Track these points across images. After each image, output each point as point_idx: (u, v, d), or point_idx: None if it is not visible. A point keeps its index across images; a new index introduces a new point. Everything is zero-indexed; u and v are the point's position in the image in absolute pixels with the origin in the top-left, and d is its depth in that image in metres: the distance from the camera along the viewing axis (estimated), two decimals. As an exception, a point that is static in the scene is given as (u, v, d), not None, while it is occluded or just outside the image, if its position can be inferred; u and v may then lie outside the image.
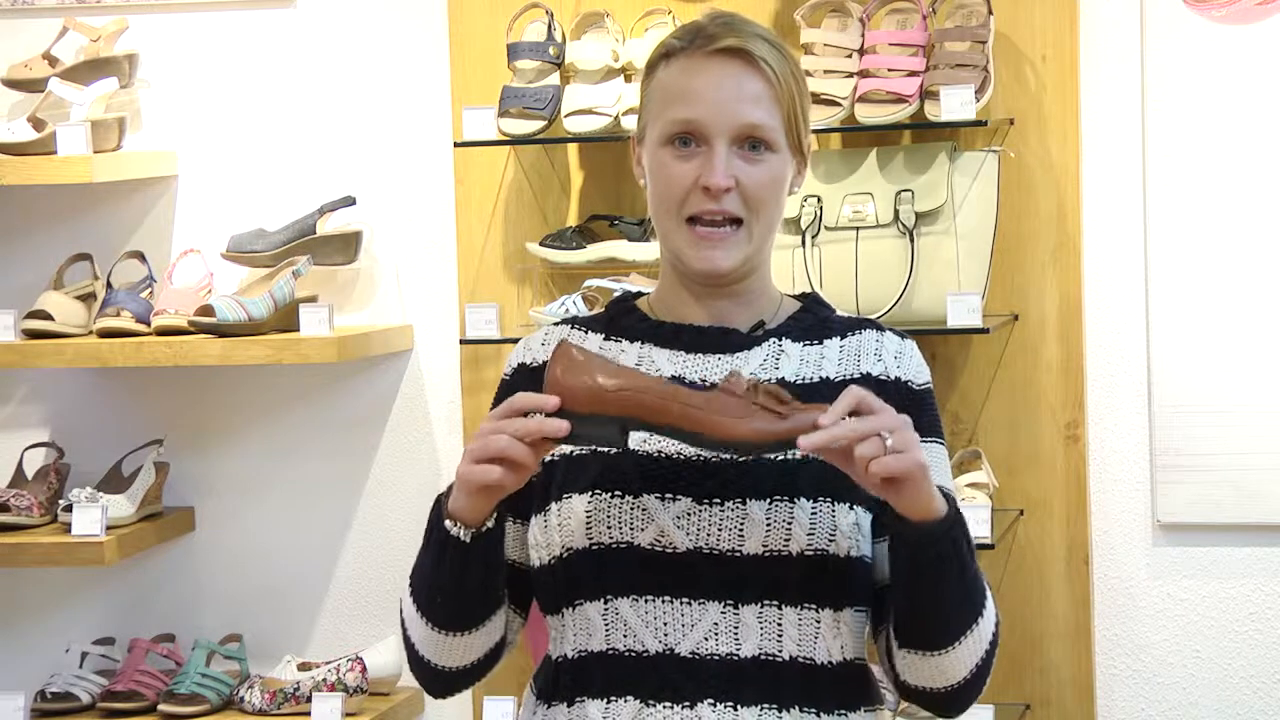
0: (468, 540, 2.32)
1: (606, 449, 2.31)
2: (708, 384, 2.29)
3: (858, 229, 4.00)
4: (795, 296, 2.51)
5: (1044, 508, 4.14)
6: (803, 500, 2.31)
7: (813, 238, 4.00)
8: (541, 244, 4.19)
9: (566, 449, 2.35)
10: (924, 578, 2.27)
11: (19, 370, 4.46)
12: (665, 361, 2.43)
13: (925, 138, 4.08)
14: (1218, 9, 4.06)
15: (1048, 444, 4.13)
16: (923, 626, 2.32)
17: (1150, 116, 4.09)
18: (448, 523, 2.33)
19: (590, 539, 2.35)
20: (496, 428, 2.25)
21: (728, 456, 2.30)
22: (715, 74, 2.36)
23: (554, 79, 4.15)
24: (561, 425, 2.23)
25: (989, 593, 2.34)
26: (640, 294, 2.53)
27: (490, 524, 2.32)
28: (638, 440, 2.33)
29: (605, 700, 2.35)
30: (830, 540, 2.32)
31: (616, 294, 3.91)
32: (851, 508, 2.35)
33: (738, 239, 2.37)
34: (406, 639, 2.45)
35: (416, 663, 2.45)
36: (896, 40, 4.00)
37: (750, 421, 2.21)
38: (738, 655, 2.32)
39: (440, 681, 2.45)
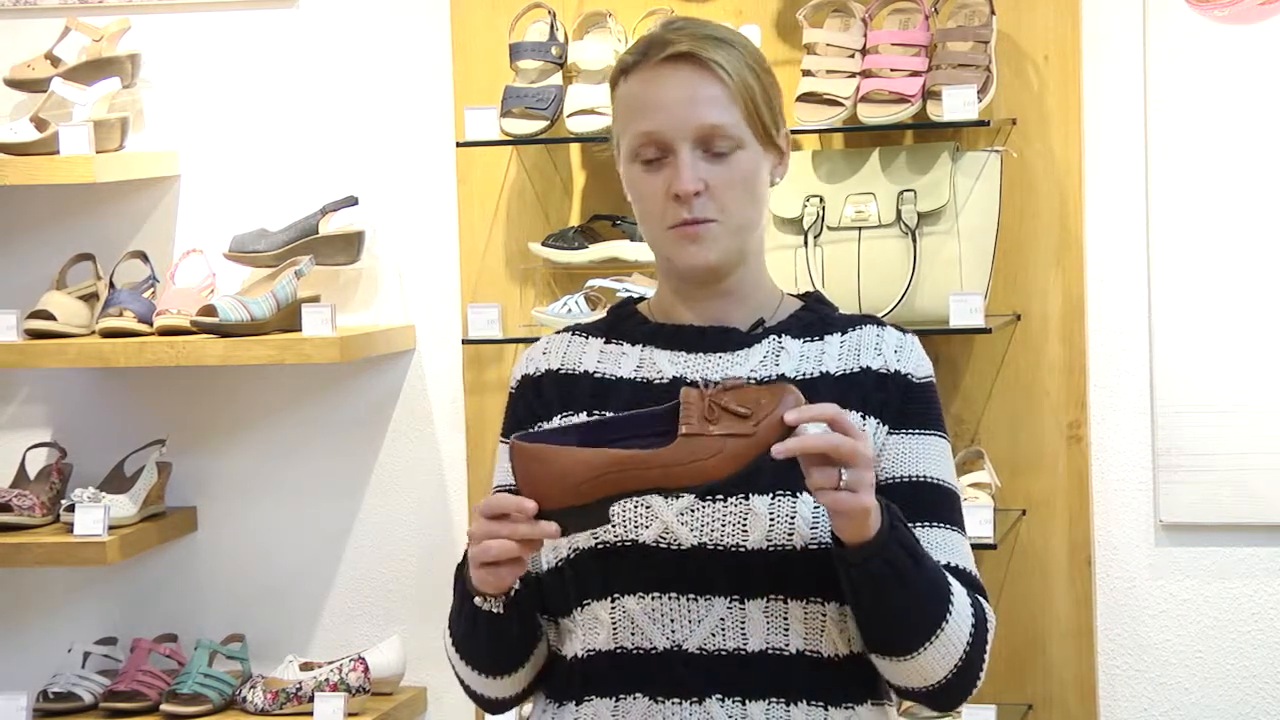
0: (499, 611, 2.35)
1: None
2: (675, 403, 2.27)
3: (860, 229, 4.00)
4: (798, 295, 2.52)
5: (1046, 508, 4.14)
6: (805, 494, 2.32)
7: (815, 238, 4.00)
8: (544, 244, 4.19)
9: None
10: (862, 593, 2.29)
11: (21, 370, 4.46)
12: (666, 363, 2.44)
13: (927, 138, 4.08)
14: (1220, 9, 4.06)
15: (1050, 444, 4.13)
16: (879, 636, 2.34)
17: (1153, 116, 4.09)
18: (477, 600, 2.35)
19: (595, 538, 2.35)
20: (489, 532, 2.26)
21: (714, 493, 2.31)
22: (668, 81, 2.38)
23: (556, 79, 4.15)
24: (552, 528, 2.24)
25: (955, 595, 2.32)
26: (641, 298, 2.55)
27: (517, 585, 2.34)
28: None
29: (615, 699, 2.36)
30: (833, 534, 2.33)
31: (618, 294, 3.96)
32: None
33: (715, 233, 2.39)
34: (454, 669, 2.48)
35: (467, 689, 2.50)
36: (899, 40, 4.01)
37: (724, 455, 2.20)
38: (745, 650, 2.33)
39: (495, 707, 2.50)
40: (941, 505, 2.41)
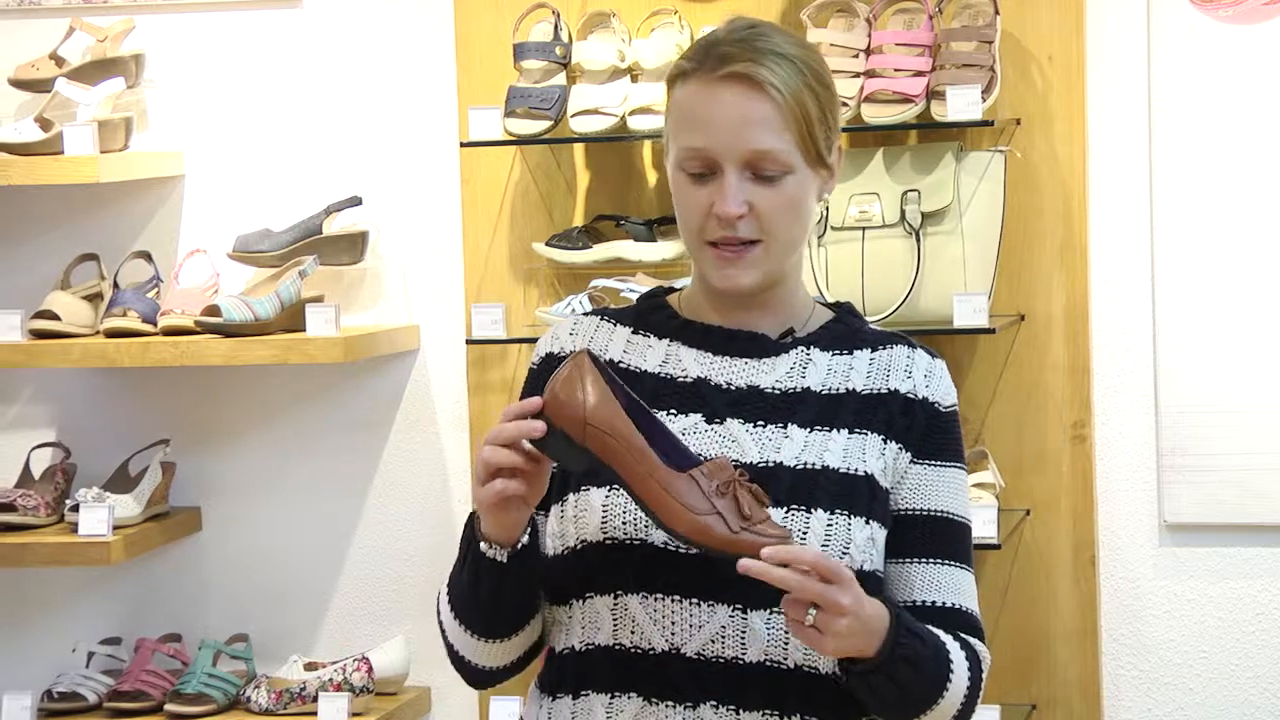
0: (504, 560, 2.33)
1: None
2: (702, 458, 2.29)
3: (864, 229, 4.00)
4: (829, 305, 2.51)
5: (1050, 508, 4.14)
6: (820, 511, 2.32)
7: (819, 238, 4.00)
8: (548, 244, 4.19)
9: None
10: (865, 694, 2.31)
11: (26, 370, 4.46)
12: (692, 362, 2.43)
13: (931, 138, 4.08)
14: (1224, 9, 4.05)
15: (1054, 444, 4.13)
16: (873, 709, 2.35)
17: (1157, 116, 4.09)
18: (483, 545, 2.33)
19: (605, 533, 2.35)
20: (486, 439, 2.27)
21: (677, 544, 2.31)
22: (722, 101, 2.34)
23: (560, 79, 4.15)
24: (537, 425, 2.24)
25: (955, 667, 2.33)
26: (671, 289, 2.53)
27: (525, 539, 2.33)
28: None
29: (609, 695, 2.36)
30: (844, 553, 2.33)
31: (622, 294, 3.96)
32: (868, 522, 2.35)
33: (756, 256, 2.37)
34: (444, 638, 2.46)
35: (456, 660, 2.47)
36: (903, 40, 4.00)
37: (699, 519, 2.21)
38: (743, 660, 2.32)
39: (481, 678, 2.47)
40: (955, 542, 2.41)
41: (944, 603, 2.38)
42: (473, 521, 2.35)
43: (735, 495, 2.22)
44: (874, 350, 2.45)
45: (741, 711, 2.32)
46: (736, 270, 2.37)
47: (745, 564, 2.19)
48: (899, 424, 2.40)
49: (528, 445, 2.26)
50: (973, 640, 2.39)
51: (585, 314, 2.53)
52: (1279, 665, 4.12)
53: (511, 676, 2.48)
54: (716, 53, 2.37)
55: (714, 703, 2.32)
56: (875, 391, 2.42)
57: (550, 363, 2.47)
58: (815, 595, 2.19)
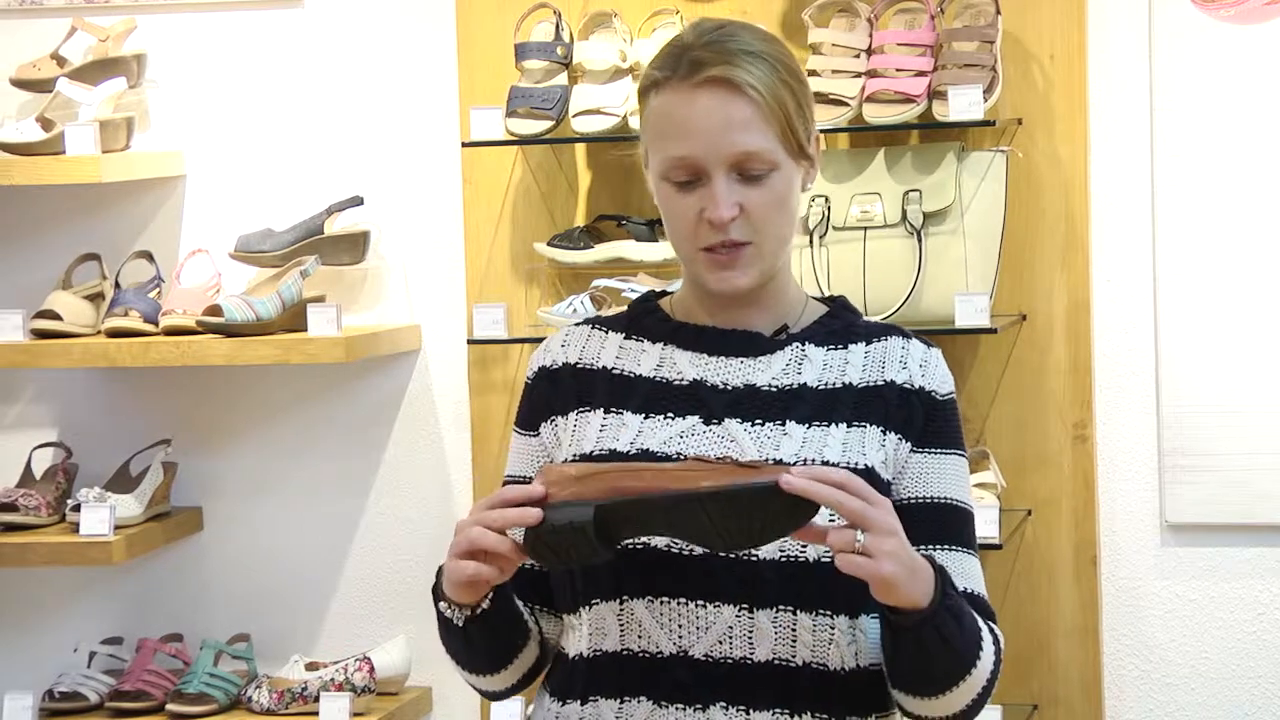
0: (461, 624, 2.36)
1: (586, 543, 2.26)
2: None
3: (865, 229, 4.00)
4: (822, 299, 2.51)
5: (1052, 508, 4.14)
6: (823, 508, 2.31)
7: (820, 238, 4.00)
8: (549, 244, 4.19)
9: None
10: (904, 651, 2.29)
11: (27, 370, 4.47)
12: (687, 364, 2.43)
13: (933, 138, 4.08)
14: (1226, 9, 4.05)
15: (1056, 444, 4.13)
16: (909, 681, 2.34)
17: (1158, 116, 4.09)
18: (442, 605, 2.36)
19: None
20: (475, 519, 2.27)
21: (708, 549, 2.29)
22: (701, 106, 2.34)
23: (562, 79, 4.15)
24: (533, 513, 2.24)
25: (984, 640, 2.33)
26: (664, 293, 2.52)
27: (485, 605, 2.35)
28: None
29: (619, 700, 2.36)
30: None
31: (624, 294, 3.96)
32: None
33: (750, 255, 2.37)
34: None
35: (465, 678, 2.51)
36: (904, 40, 4.00)
37: (719, 472, 2.21)
38: (751, 659, 2.32)
39: (486, 695, 2.52)
40: (959, 527, 2.41)
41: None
42: (440, 576, 2.37)
43: (734, 462, 2.24)
44: (868, 343, 2.44)
45: (752, 711, 2.32)
46: (732, 273, 2.37)
47: (788, 479, 2.17)
48: (897, 415, 2.40)
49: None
50: (989, 623, 2.39)
51: (576, 324, 2.52)
52: (1279, 665, 4.12)
53: (521, 690, 2.49)
54: (689, 58, 2.35)
55: (724, 704, 2.32)
56: (871, 384, 2.41)
57: (543, 377, 2.48)
58: (858, 511, 2.18)
